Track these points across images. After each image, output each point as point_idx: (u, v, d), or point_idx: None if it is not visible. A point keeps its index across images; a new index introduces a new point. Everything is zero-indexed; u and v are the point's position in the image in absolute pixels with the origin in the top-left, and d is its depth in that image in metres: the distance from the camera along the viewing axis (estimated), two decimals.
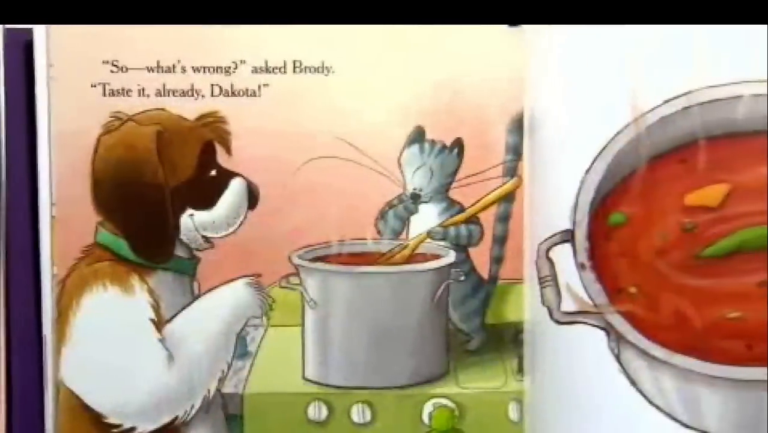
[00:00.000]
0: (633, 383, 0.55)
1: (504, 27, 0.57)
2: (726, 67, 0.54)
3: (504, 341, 0.59)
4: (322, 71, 0.57)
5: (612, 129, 0.55)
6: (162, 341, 0.56)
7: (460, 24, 0.57)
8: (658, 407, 0.55)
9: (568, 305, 0.56)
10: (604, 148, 0.55)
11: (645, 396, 0.55)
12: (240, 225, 0.57)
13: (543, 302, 0.56)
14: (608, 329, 0.55)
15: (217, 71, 0.57)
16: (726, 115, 0.54)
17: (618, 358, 0.55)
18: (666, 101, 0.54)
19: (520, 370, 0.58)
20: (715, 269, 0.54)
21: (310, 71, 0.57)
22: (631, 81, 0.55)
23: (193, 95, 0.57)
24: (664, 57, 0.55)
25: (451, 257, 0.59)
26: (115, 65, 0.56)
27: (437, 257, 0.59)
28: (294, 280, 0.58)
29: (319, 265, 0.58)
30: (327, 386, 0.58)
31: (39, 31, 0.56)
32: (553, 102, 0.56)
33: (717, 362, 0.53)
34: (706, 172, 0.55)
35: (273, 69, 0.57)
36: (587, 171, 0.55)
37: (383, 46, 0.57)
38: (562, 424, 0.57)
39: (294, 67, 0.57)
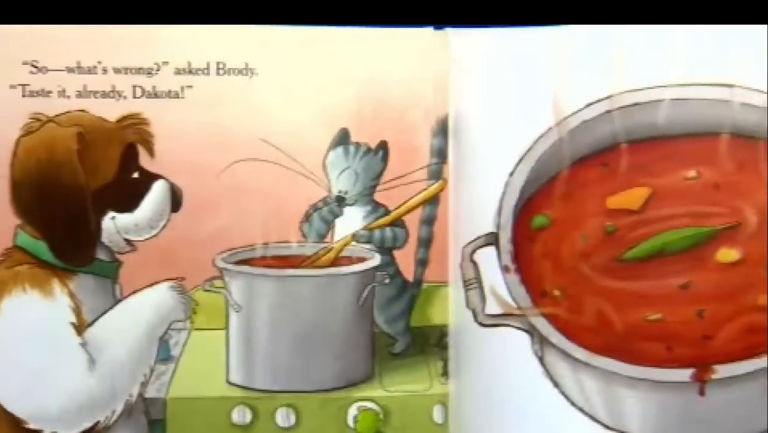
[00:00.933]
0: (556, 385, 0.55)
1: (428, 29, 0.57)
2: (647, 71, 0.54)
3: (429, 344, 0.59)
4: (246, 73, 0.56)
5: (535, 132, 0.55)
6: (83, 345, 0.55)
7: (385, 26, 0.57)
8: (580, 409, 0.55)
9: (492, 307, 0.56)
10: (527, 152, 0.55)
11: (568, 398, 0.55)
12: (163, 228, 0.57)
13: (468, 305, 0.56)
14: (532, 332, 0.55)
15: (139, 72, 0.56)
16: (647, 118, 0.55)
17: (541, 360, 0.55)
18: (588, 105, 0.55)
19: (445, 373, 0.58)
20: (636, 272, 0.54)
21: (233, 73, 0.56)
22: (553, 84, 0.55)
23: (114, 97, 0.56)
24: (586, 60, 0.55)
25: (376, 260, 0.59)
26: (34, 66, 0.55)
27: (362, 259, 0.59)
28: (218, 283, 0.58)
29: (244, 268, 0.57)
30: (251, 389, 0.58)
31: None
32: (478, 105, 0.57)
33: (638, 363, 0.53)
34: (628, 176, 0.55)
35: (196, 70, 0.56)
36: (511, 174, 0.56)
37: (307, 48, 0.56)
38: (486, 426, 0.57)
39: (217, 69, 0.56)
